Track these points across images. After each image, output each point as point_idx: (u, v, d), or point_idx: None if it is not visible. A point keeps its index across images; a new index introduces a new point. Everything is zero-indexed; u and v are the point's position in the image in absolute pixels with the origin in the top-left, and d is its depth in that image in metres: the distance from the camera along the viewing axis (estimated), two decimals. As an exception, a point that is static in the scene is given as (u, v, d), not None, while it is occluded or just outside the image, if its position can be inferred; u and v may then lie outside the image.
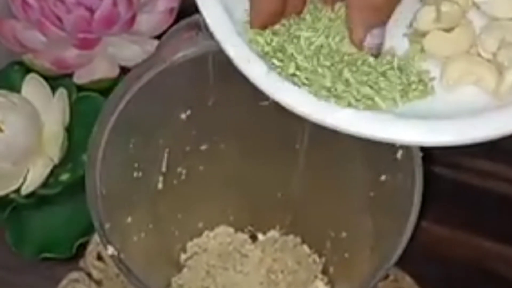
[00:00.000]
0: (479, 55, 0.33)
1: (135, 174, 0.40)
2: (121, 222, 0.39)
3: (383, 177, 0.39)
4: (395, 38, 0.33)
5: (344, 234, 0.44)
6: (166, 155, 0.41)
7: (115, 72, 0.50)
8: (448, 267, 0.51)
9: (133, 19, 0.50)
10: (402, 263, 0.49)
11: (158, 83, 0.36)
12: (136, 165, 0.40)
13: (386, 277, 0.50)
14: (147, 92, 0.37)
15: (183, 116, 0.40)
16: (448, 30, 0.33)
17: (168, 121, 0.39)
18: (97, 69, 0.51)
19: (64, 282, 0.50)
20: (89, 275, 0.50)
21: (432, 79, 0.33)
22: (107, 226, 0.36)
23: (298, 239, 0.48)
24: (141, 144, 0.39)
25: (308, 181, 0.45)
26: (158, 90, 0.35)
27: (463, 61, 0.33)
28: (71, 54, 0.51)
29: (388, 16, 0.32)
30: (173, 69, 0.37)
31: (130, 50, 0.50)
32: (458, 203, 0.53)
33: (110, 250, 0.34)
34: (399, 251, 0.35)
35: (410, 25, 0.34)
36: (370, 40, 0.32)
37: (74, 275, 0.50)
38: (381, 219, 0.40)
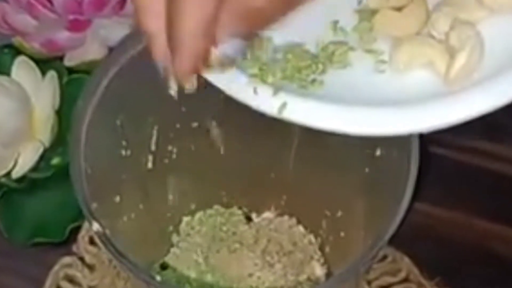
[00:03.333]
0: (431, 35, 0.30)
1: (123, 152, 0.37)
2: (108, 201, 0.36)
3: (378, 152, 0.36)
4: (346, 14, 0.30)
5: (339, 213, 0.42)
6: (155, 133, 0.39)
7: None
8: (447, 248, 0.49)
9: (124, 1, 0.48)
10: (401, 244, 0.48)
11: (144, 58, 0.34)
12: (124, 143, 0.37)
13: (384, 258, 0.48)
14: (132, 67, 0.35)
15: (172, 92, 0.38)
16: (399, 9, 0.30)
17: (156, 97, 0.37)
18: (88, 51, 0.50)
19: (56, 267, 0.48)
20: (82, 259, 0.48)
21: (382, 61, 0.29)
22: (94, 205, 0.33)
23: (294, 220, 0.46)
24: (128, 121, 0.36)
25: (303, 159, 0.42)
26: (144, 65, 0.32)
27: (413, 43, 0.30)
28: (62, 36, 0.49)
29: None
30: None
31: (121, 33, 0.48)
32: (456, 184, 0.51)
33: (95, 226, 0.31)
34: (393, 228, 0.32)
35: (361, 1, 0.31)
36: (225, 49, 0.27)
37: (67, 260, 0.48)
38: (376, 196, 0.38)
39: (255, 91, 0.28)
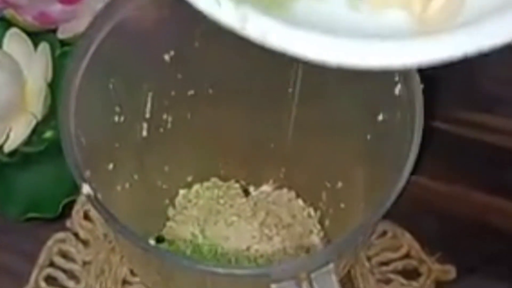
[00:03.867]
0: None
1: (116, 118, 0.36)
2: (101, 169, 0.35)
3: (380, 117, 0.35)
4: None
5: (340, 184, 0.41)
6: (150, 100, 0.38)
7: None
8: (447, 222, 0.48)
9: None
10: (401, 219, 0.47)
11: (137, 20, 0.32)
12: (117, 109, 0.36)
13: (384, 234, 0.47)
14: (124, 29, 0.33)
15: (166, 57, 0.36)
16: None
17: (150, 62, 0.36)
18: (81, 24, 0.47)
19: (50, 242, 0.46)
20: (76, 235, 0.47)
21: None
22: (86, 173, 0.32)
23: (293, 193, 0.45)
24: (121, 86, 0.35)
25: (303, 128, 0.41)
26: (136, 27, 0.31)
27: None
28: (54, 9, 0.48)
29: None
30: (153, 4, 0.33)
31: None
32: (456, 158, 0.50)
33: (86, 189, 0.30)
34: (394, 196, 0.31)
35: None
36: None
37: (61, 235, 0.47)
38: (378, 164, 0.36)
39: (218, 3, 0.26)
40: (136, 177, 0.39)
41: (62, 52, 0.47)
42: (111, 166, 0.36)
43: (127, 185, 0.38)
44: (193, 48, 0.37)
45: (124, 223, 0.31)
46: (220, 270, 0.29)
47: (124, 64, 0.35)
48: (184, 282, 0.36)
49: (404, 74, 0.32)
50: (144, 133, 0.39)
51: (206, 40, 0.37)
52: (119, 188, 0.37)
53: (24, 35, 0.47)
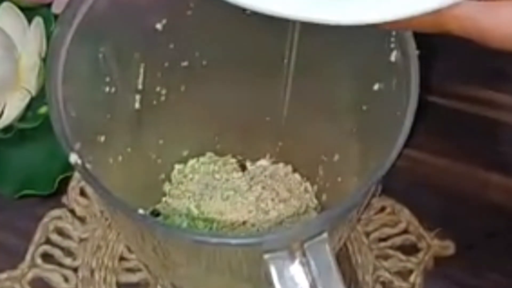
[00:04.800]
0: None
1: (107, 89, 0.35)
2: (92, 140, 0.33)
3: (376, 86, 0.34)
4: None
5: (336, 157, 0.40)
6: (141, 70, 0.36)
7: None
8: (446, 198, 0.47)
9: None
10: (400, 195, 0.46)
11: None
12: (107, 79, 0.35)
13: (382, 209, 0.46)
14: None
15: (158, 26, 0.35)
16: None
17: (141, 31, 0.34)
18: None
19: (46, 219, 0.46)
20: (72, 211, 0.46)
21: None
22: (77, 145, 0.31)
23: (289, 168, 0.44)
24: (112, 55, 0.34)
25: (298, 101, 0.40)
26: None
27: None
28: (49, -17, 0.46)
29: None
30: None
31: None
32: (456, 133, 0.49)
33: (73, 158, 0.29)
34: (389, 163, 0.30)
35: None
36: None
37: (57, 212, 0.46)
38: (374, 135, 0.35)
39: None
40: (129, 150, 0.38)
41: (57, 27, 0.46)
42: (102, 138, 0.35)
43: (120, 158, 0.37)
44: (186, 17, 0.35)
45: (117, 196, 0.30)
46: (212, 239, 0.28)
47: (114, 32, 0.33)
48: (180, 258, 0.35)
49: (400, 39, 0.31)
50: (137, 105, 0.38)
51: (199, 9, 0.35)
52: (111, 160, 0.36)
53: (17, 10, 0.46)
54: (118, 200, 0.28)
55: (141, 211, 0.28)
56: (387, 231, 0.46)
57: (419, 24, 0.24)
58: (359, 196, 0.30)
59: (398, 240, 0.46)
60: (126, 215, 0.29)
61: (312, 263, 0.28)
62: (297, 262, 0.28)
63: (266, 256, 0.28)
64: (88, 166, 0.29)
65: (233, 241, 0.28)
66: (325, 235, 0.29)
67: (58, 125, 0.29)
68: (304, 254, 0.28)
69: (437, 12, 0.23)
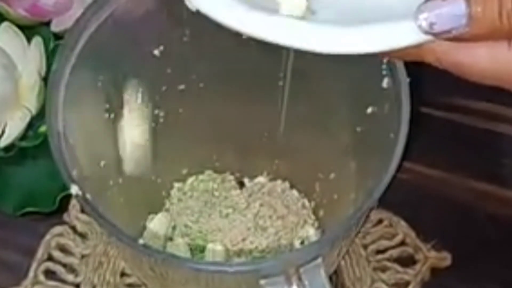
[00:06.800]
0: None
1: (106, 115, 0.36)
2: (93, 166, 0.34)
3: (369, 110, 0.35)
4: None
5: (332, 175, 0.41)
6: (140, 95, 0.37)
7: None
8: (443, 210, 0.48)
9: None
10: (397, 207, 0.47)
11: (124, 14, 0.32)
12: (107, 106, 0.36)
13: (380, 222, 0.47)
14: (112, 24, 0.33)
15: (156, 52, 0.36)
16: None
17: (139, 57, 0.35)
18: (75, 16, 0.47)
19: (48, 236, 0.46)
20: (74, 228, 0.47)
21: None
22: (76, 171, 0.32)
23: (287, 184, 0.45)
24: (111, 82, 0.35)
25: (294, 121, 0.41)
26: (124, 22, 0.31)
27: None
28: (47, 1, 0.48)
29: None
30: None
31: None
32: (452, 145, 0.50)
33: (74, 189, 0.30)
34: (384, 184, 0.31)
35: None
36: None
37: (58, 229, 0.47)
38: (368, 155, 0.36)
39: None
40: (129, 171, 0.39)
41: (56, 46, 0.47)
42: (102, 163, 0.36)
43: (120, 181, 0.38)
44: (182, 42, 0.36)
45: (118, 216, 0.31)
46: (210, 267, 0.29)
47: (113, 59, 0.34)
48: (178, 279, 0.36)
49: (391, 67, 0.32)
50: (136, 129, 0.39)
51: (195, 36, 0.36)
52: (111, 182, 0.37)
53: (17, 29, 0.47)
54: (119, 230, 0.29)
55: (141, 241, 0.29)
56: (385, 243, 0.47)
57: (402, 55, 0.25)
58: (354, 220, 0.31)
59: (395, 252, 0.46)
60: (126, 245, 0.30)
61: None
62: (293, 287, 0.29)
63: (262, 281, 0.29)
64: (88, 196, 0.30)
65: (230, 269, 0.29)
66: (320, 260, 0.30)
67: (59, 156, 0.30)
68: (300, 279, 0.30)
69: (417, 45, 0.24)
